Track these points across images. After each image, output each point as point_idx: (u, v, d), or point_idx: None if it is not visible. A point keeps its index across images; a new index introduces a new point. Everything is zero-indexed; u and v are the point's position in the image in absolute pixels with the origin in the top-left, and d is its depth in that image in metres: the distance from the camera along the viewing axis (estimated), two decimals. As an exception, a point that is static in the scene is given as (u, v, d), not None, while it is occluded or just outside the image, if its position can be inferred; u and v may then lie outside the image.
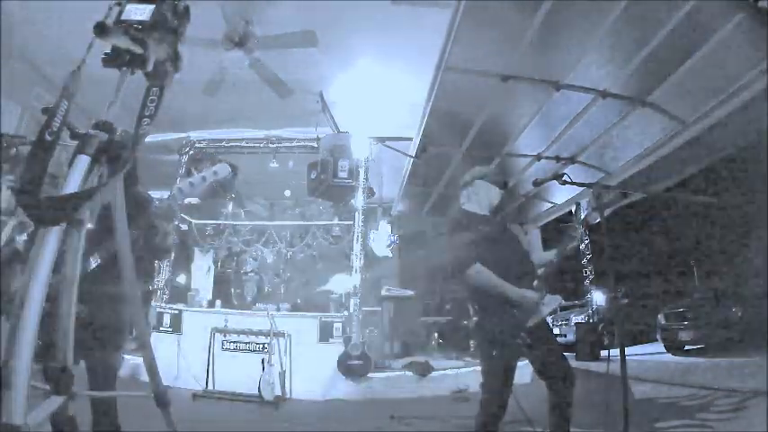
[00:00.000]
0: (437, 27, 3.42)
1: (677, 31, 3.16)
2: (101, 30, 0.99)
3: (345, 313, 5.59)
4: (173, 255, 5.96)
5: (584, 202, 2.32)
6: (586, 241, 9.07)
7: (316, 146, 6.01)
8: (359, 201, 6.11)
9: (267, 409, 4.36)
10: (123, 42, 1.05)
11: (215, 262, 7.56)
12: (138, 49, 1.07)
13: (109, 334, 1.99)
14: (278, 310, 5.84)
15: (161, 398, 1.17)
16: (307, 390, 5.01)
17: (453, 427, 3.60)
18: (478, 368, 2.23)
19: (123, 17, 1.05)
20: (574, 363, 5.87)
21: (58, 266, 0.94)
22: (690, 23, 3.09)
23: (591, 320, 9.20)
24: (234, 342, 5.15)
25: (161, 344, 5.21)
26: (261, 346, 5.01)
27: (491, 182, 2.43)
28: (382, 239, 7.53)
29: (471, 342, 6.55)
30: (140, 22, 1.05)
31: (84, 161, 0.99)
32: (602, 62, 3.65)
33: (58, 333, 0.96)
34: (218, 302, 6.14)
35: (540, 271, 2.34)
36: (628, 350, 2.03)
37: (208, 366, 4.88)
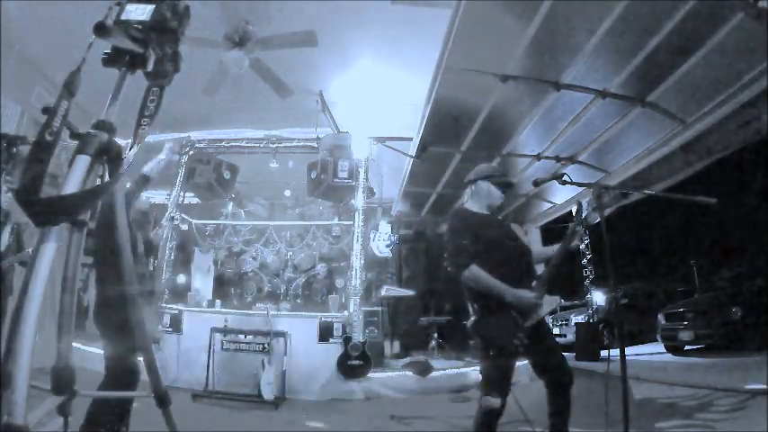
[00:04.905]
0: (437, 27, 3.42)
1: (677, 31, 3.16)
2: (101, 30, 0.98)
3: (345, 313, 5.58)
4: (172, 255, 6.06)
5: (584, 202, 2.31)
6: (586, 241, 9.05)
7: (316, 146, 6.00)
8: (359, 201, 6.11)
9: (267, 409, 4.37)
10: (123, 42, 1.05)
11: (215, 262, 7.55)
12: (138, 49, 1.07)
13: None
14: (278, 310, 5.84)
15: (161, 398, 1.16)
16: (307, 390, 5.01)
17: (453, 427, 3.60)
18: (478, 368, 2.23)
19: (123, 17, 1.04)
20: (574, 363, 5.88)
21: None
22: (690, 23, 3.09)
23: (591, 320, 9.19)
24: (234, 342, 5.14)
25: (161, 344, 5.23)
26: (261, 346, 5.01)
27: (495, 182, 2.42)
28: (382, 239, 7.53)
29: (471, 342, 6.55)
30: (140, 22, 1.04)
31: (84, 161, 0.98)
32: (602, 62, 3.65)
33: (59, 333, 0.96)
34: (218, 302, 6.13)
35: (540, 272, 2.34)
36: (628, 350, 2.03)
37: (208, 366, 4.87)
